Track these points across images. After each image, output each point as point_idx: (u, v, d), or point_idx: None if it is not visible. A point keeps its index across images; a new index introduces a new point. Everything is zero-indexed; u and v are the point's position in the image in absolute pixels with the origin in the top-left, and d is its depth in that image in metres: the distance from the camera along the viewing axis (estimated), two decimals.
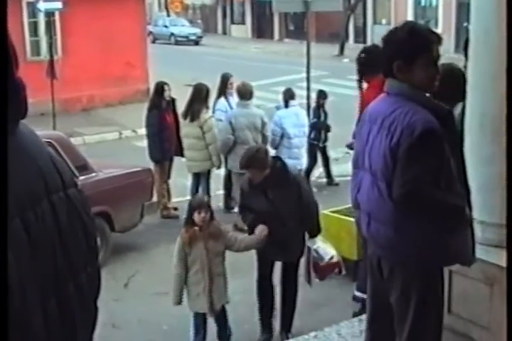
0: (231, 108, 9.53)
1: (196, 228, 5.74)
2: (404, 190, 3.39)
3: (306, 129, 9.79)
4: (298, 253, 6.02)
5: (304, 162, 9.85)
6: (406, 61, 3.49)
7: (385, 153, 3.45)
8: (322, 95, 11.05)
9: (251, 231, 5.92)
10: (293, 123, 9.51)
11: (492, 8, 3.95)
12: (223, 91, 9.82)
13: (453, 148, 3.49)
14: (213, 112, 9.75)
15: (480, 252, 4.20)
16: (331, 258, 6.03)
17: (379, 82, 5.10)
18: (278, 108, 9.82)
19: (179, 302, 5.75)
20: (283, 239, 5.77)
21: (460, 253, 3.65)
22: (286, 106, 9.64)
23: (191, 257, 5.75)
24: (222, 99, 9.81)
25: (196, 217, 5.72)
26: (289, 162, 9.30)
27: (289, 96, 9.69)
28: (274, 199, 5.82)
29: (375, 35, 28.41)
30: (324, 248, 6.05)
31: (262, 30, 43.71)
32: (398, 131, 3.40)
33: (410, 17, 31.73)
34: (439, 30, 28.59)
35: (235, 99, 9.53)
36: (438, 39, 3.55)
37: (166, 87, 9.59)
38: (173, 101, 9.76)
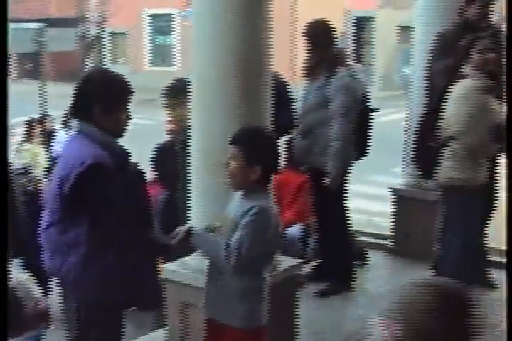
0: None
1: None
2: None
3: None
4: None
5: None
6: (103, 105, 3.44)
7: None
8: None
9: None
10: None
11: (207, 54, 3.99)
12: None
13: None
14: None
15: None
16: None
17: None
18: None
19: None
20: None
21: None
22: None
23: None
24: None
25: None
26: None
27: None
28: None
29: None
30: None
31: None
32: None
33: (148, 55, 32.60)
34: (175, 68, 29.49)
35: None
36: (129, 90, 3.54)
37: None
38: None
